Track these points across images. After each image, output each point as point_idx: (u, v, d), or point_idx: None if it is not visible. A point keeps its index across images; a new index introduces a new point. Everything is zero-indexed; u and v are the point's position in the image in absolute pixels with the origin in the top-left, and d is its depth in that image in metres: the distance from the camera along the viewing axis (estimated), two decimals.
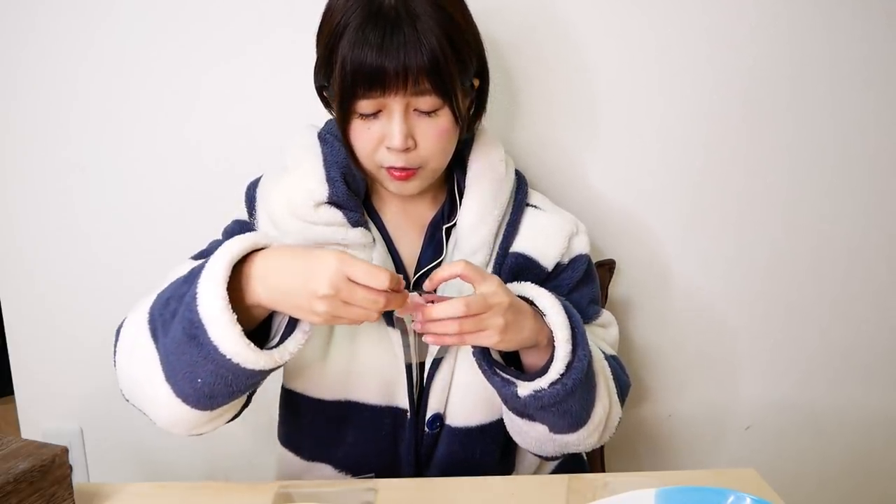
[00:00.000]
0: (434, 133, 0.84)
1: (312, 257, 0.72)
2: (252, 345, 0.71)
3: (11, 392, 1.28)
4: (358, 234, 0.89)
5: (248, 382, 0.75)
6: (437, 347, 0.89)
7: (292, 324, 0.77)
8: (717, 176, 1.23)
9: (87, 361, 1.22)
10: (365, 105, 0.81)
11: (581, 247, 0.97)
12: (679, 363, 1.30)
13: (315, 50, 0.86)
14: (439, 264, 0.93)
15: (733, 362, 1.32)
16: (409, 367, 0.90)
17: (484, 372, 0.83)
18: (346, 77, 0.79)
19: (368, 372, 0.90)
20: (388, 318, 0.88)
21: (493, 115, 0.99)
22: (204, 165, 1.18)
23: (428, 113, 0.83)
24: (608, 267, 1.18)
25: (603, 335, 0.99)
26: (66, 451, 0.72)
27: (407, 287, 0.92)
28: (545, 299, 0.82)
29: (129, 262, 1.21)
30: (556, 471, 1.02)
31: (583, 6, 1.15)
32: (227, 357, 0.70)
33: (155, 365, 0.74)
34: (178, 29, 1.13)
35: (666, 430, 1.34)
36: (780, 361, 1.32)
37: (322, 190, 0.87)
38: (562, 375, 0.79)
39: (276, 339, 0.77)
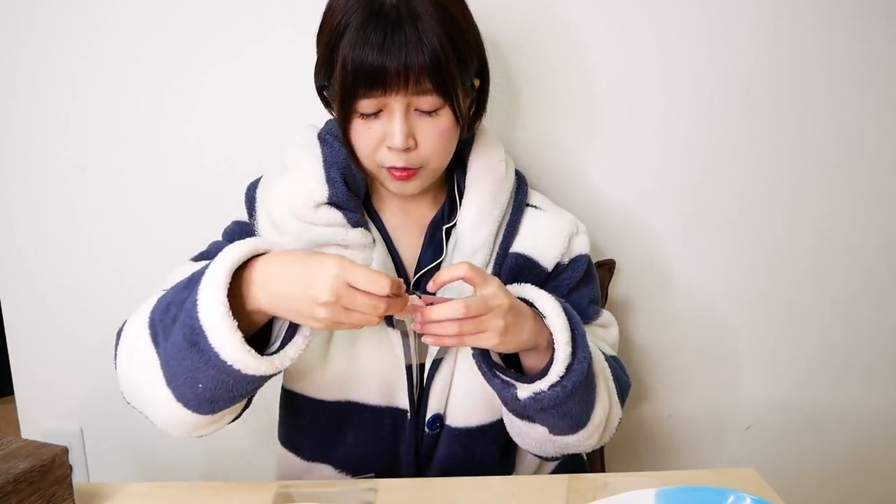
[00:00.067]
0: (435, 133, 0.84)
1: (313, 263, 0.72)
2: (253, 351, 0.71)
3: (11, 392, 1.28)
4: (358, 234, 0.89)
5: (249, 387, 0.75)
6: (437, 348, 0.89)
7: (293, 328, 0.77)
8: (718, 175, 1.23)
9: (87, 361, 1.22)
10: (366, 105, 0.81)
11: (581, 247, 0.97)
12: (679, 363, 1.30)
13: (315, 50, 0.86)
14: (439, 265, 0.92)
15: (734, 362, 1.31)
16: (409, 368, 0.90)
17: (484, 374, 0.83)
18: (347, 76, 0.79)
19: (368, 372, 0.90)
20: (389, 319, 0.88)
21: (493, 114, 0.99)
22: (204, 165, 1.18)
23: (429, 113, 0.83)
24: (608, 267, 1.18)
25: (603, 335, 0.99)
26: (66, 451, 0.72)
27: (407, 287, 0.92)
28: (545, 301, 0.82)
29: (129, 262, 1.21)
30: (556, 471, 1.02)
31: (583, 6, 1.15)
32: (228, 363, 0.70)
33: (156, 369, 0.74)
34: (178, 29, 1.13)
35: (666, 430, 1.34)
36: (781, 361, 1.32)
37: (322, 190, 0.87)
38: (562, 378, 0.79)
39: (277, 344, 0.77)
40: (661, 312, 1.28)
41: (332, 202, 0.88)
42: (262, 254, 0.75)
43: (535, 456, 0.94)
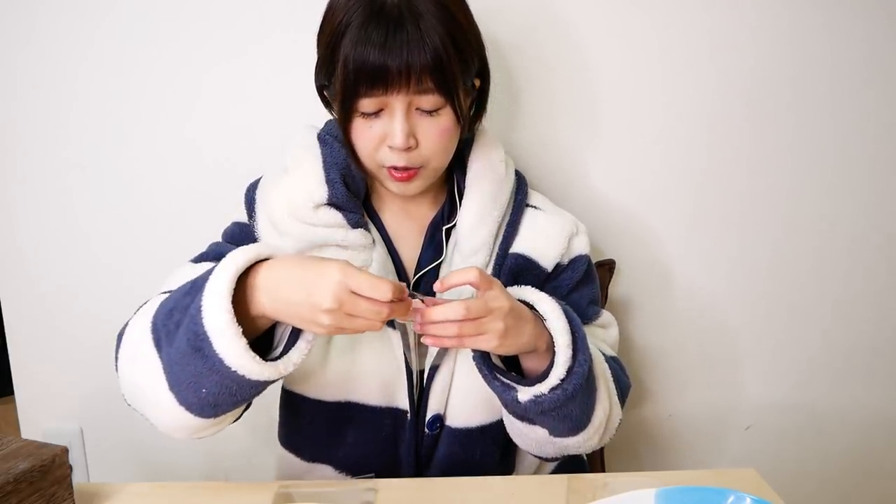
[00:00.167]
0: (436, 132, 0.83)
1: (315, 269, 0.72)
2: (257, 357, 0.71)
3: (11, 392, 1.28)
4: (358, 235, 0.89)
5: (252, 392, 0.75)
6: (437, 349, 0.89)
7: (295, 333, 0.76)
8: (719, 176, 1.23)
9: (87, 361, 1.22)
10: (367, 104, 0.81)
11: (581, 247, 0.97)
12: (679, 363, 1.30)
13: (316, 50, 0.86)
14: (439, 265, 0.92)
15: (734, 362, 1.31)
16: (409, 369, 0.90)
17: (484, 376, 0.83)
18: (348, 75, 0.79)
19: (369, 373, 0.90)
20: (390, 320, 0.88)
21: (494, 115, 0.99)
22: (204, 166, 1.18)
23: (430, 112, 0.83)
24: (608, 267, 1.18)
25: (603, 336, 0.99)
26: (66, 451, 0.72)
27: (406, 286, 0.92)
28: (545, 304, 0.82)
29: (129, 262, 1.21)
30: (555, 471, 1.02)
31: (584, 6, 1.15)
32: (233, 369, 0.70)
33: (158, 374, 0.74)
34: (178, 29, 1.13)
35: (666, 430, 1.34)
36: (781, 361, 1.32)
37: (322, 191, 0.87)
38: (562, 381, 0.78)
39: (280, 349, 0.77)
40: (662, 313, 1.28)
41: (332, 203, 0.88)
42: (266, 259, 0.75)
43: (535, 457, 0.94)
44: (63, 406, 1.27)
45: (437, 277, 0.92)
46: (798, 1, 1.16)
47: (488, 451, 0.94)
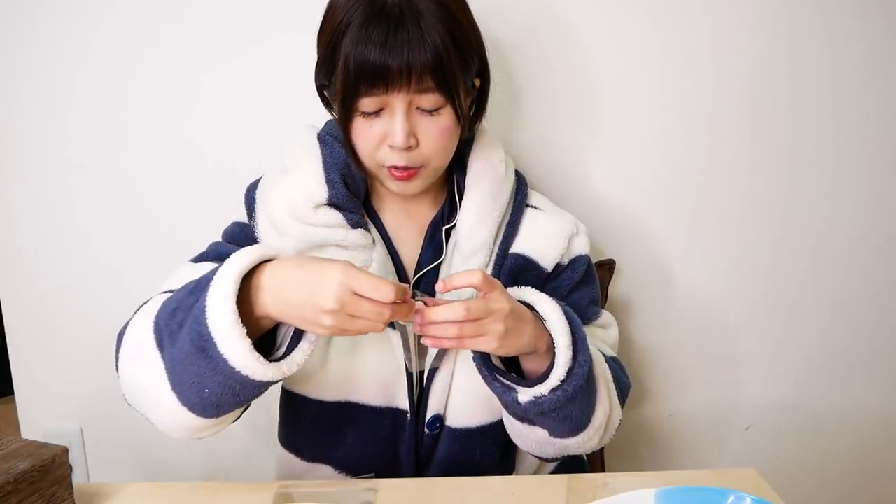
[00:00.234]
0: (436, 131, 0.83)
1: (318, 270, 0.72)
2: (261, 358, 0.71)
3: (11, 392, 1.28)
4: (358, 235, 0.89)
5: (254, 392, 0.75)
6: (437, 350, 0.89)
7: (298, 333, 0.77)
8: (719, 176, 1.23)
9: (87, 361, 1.22)
10: (367, 103, 0.81)
11: (581, 247, 0.97)
12: (679, 363, 1.30)
13: (316, 50, 0.86)
14: (439, 265, 0.92)
15: (734, 362, 1.32)
16: (409, 369, 0.90)
17: (484, 377, 0.83)
18: (349, 75, 0.79)
19: (368, 373, 0.90)
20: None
21: (494, 115, 0.99)
22: (204, 165, 1.18)
23: (430, 111, 0.83)
24: (608, 267, 1.18)
25: (603, 336, 0.99)
26: (66, 451, 0.72)
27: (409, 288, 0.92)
28: (546, 304, 0.82)
29: (129, 262, 1.21)
30: (555, 471, 1.02)
31: (584, 6, 1.15)
32: (237, 369, 0.70)
33: (160, 374, 0.74)
34: (178, 29, 1.13)
35: (666, 430, 1.34)
36: (781, 361, 1.32)
37: (322, 191, 0.87)
38: (562, 381, 0.78)
39: (283, 350, 0.77)
40: (662, 313, 1.28)
41: (332, 203, 0.88)
42: (270, 260, 0.75)
43: (535, 457, 0.94)
44: (63, 406, 1.27)
45: (436, 278, 0.92)
46: (797, 1, 1.16)
47: (488, 452, 0.94)
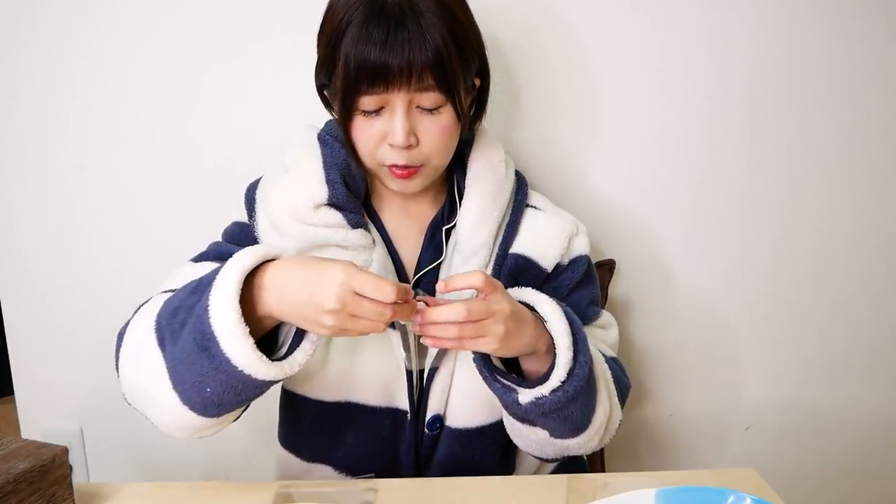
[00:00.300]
0: (436, 130, 0.83)
1: (320, 270, 0.72)
2: (264, 357, 0.71)
3: (11, 392, 1.28)
4: (358, 235, 0.89)
5: (256, 392, 0.75)
6: (436, 350, 0.89)
7: (299, 333, 0.77)
8: (719, 175, 1.23)
9: (87, 361, 1.22)
10: (367, 101, 0.81)
11: (581, 248, 0.97)
12: (679, 363, 1.30)
13: (316, 49, 0.86)
14: (439, 266, 0.92)
15: (734, 362, 1.31)
16: (409, 369, 0.90)
17: (485, 378, 0.83)
18: (349, 73, 0.79)
19: (368, 373, 0.90)
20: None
21: (494, 114, 0.99)
22: (204, 165, 1.18)
23: (430, 110, 0.83)
24: (608, 267, 1.18)
25: (603, 336, 0.99)
26: (66, 451, 0.72)
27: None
28: (546, 305, 0.81)
29: (129, 262, 1.21)
30: (555, 471, 1.02)
31: (584, 6, 1.15)
32: (239, 369, 0.70)
33: (162, 373, 0.74)
34: (178, 29, 1.13)
35: (666, 430, 1.34)
36: (781, 361, 1.32)
37: (322, 192, 0.87)
38: (563, 382, 0.78)
39: (285, 349, 0.77)
40: (662, 313, 1.28)
41: (332, 203, 0.88)
42: (272, 259, 0.75)
43: (535, 458, 0.94)
44: (63, 406, 1.27)
45: (436, 278, 0.92)
46: (797, 1, 1.16)
47: (488, 452, 0.94)
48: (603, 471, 1.17)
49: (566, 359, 0.79)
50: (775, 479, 0.87)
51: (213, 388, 0.72)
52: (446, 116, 0.83)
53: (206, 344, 0.70)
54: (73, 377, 1.26)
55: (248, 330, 0.70)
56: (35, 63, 1.14)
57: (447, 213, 0.94)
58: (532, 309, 0.82)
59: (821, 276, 1.28)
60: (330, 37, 0.81)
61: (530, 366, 0.84)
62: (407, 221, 0.95)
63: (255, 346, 0.70)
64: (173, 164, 1.18)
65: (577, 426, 0.84)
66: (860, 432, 1.36)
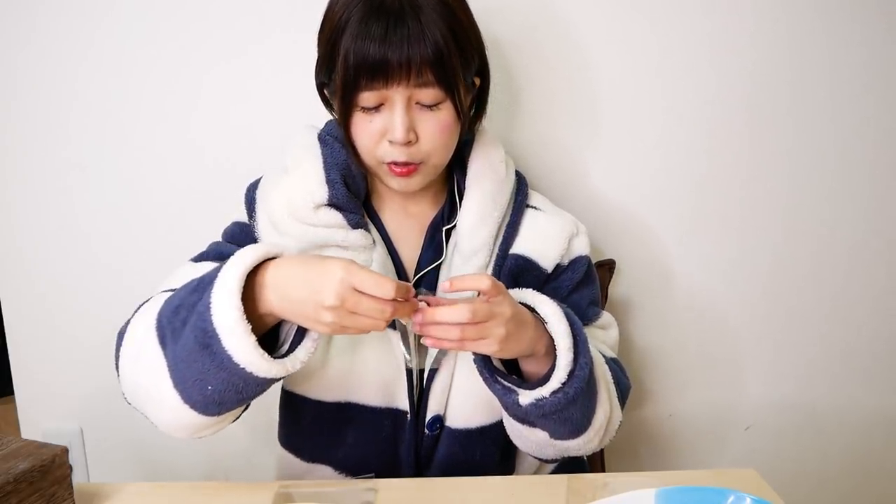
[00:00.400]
0: (436, 127, 0.84)
1: (320, 268, 0.72)
2: (266, 355, 0.71)
3: (11, 392, 1.28)
4: (358, 235, 0.89)
5: (257, 390, 0.75)
6: (437, 351, 0.89)
7: (301, 331, 0.77)
8: (719, 176, 1.23)
9: (87, 361, 1.22)
10: (367, 97, 0.81)
11: (581, 248, 0.97)
12: (680, 364, 1.30)
13: (316, 48, 0.86)
14: (439, 266, 0.92)
15: (734, 363, 1.31)
16: (409, 369, 0.90)
17: (485, 379, 0.83)
18: (348, 70, 0.79)
19: (368, 373, 0.90)
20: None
21: (493, 114, 0.99)
22: (204, 165, 1.18)
23: (430, 107, 0.83)
24: (608, 267, 1.18)
25: (603, 337, 0.99)
26: (66, 451, 0.72)
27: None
28: (547, 307, 0.81)
29: (129, 262, 1.21)
30: (555, 472, 1.02)
31: (584, 6, 1.15)
32: (241, 366, 0.71)
33: (163, 371, 0.74)
34: (178, 29, 1.13)
35: (666, 431, 1.34)
36: (781, 362, 1.32)
37: (322, 192, 0.87)
38: (563, 384, 0.78)
39: (286, 347, 0.77)
40: (662, 313, 1.28)
41: (332, 203, 0.88)
42: (274, 258, 0.75)
43: (535, 458, 0.94)
44: (63, 406, 1.27)
45: (437, 278, 0.92)
46: (797, 5, 1.16)
47: (488, 452, 0.94)
48: (603, 471, 1.17)
49: (567, 360, 0.78)
50: (775, 479, 0.87)
51: (214, 386, 0.72)
52: (446, 113, 0.83)
53: (208, 341, 0.70)
54: (73, 377, 1.26)
55: (251, 327, 0.70)
56: (35, 63, 1.14)
57: (447, 213, 0.94)
58: (532, 310, 0.82)
59: (821, 278, 1.28)
60: (330, 34, 0.82)
61: (529, 367, 0.83)
62: (407, 222, 0.95)
63: (256, 343, 0.70)
64: (173, 164, 1.18)
65: (578, 427, 0.84)
66: (860, 432, 1.36)
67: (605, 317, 1.01)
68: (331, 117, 0.94)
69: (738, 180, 1.23)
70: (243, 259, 0.72)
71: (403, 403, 0.92)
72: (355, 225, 0.89)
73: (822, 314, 1.30)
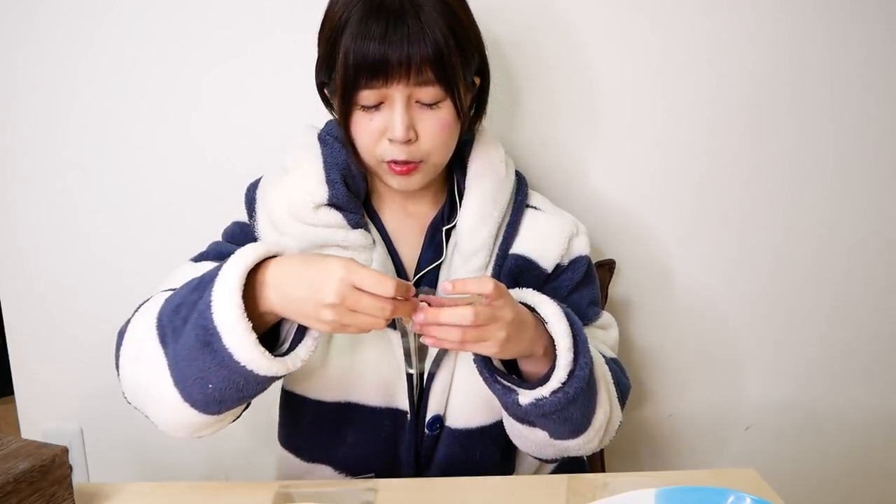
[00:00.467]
0: (436, 125, 0.84)
1: (320, 266, 0.72)
2: (267, 353, 0.71)
3: (11, 392, 1.28)
4: (358, 235, 0.89)
5: (258, 388, 0.75)
6: (437, 351, 0.89)
7: (301, 330, 0.77)
8: (719, 176, 1.23)
9: (87, 361, 1.22)
10: (367, 96, 0.81)
11: (581, 248, 0.97)
12: (679, 364, 1.30)
13: (316, 48, 0.86)
14: (439, 266, 0.92)
15: (734, 363, 1.31)
16: (409, 369, 0.90)
17: (485, 379, 0.83)
18: (348, 68, 0.79)
19: (368, 373, 0.90)
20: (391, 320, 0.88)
21: (493, 114, 0.99)
22: (204, 165, 1.18)
23: (430, 105, 0.83)
24: (608, 267, 1.18)
25: (603, 337, 0.99)
26: (66, 451, 0.72)
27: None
28: (547, 307, 0.81)
29: (129, 262, 1.21)
30: (555, 472, 1.02)
31: (584, 6, 1.15)
32: (242, 364, 0.71)
33: (163, 370, 0.74)
34: (178, 29, 1.13)
35: (666, 431, 1.34)
36: (781, 362, 1.32)
37: (322, 192, 0.87)
38: (563, 384, 0.78)
39: (286, 346, 0.77)
40: (662, 313, 1.28)
41: (332, 203, 0.88)
42: (274, 256, 0.75)
43: (535, 458, 0.94)
44: (63, 406, 1.27)
45: (437, 278, 0.92)
46: (797, 5, 1.16)
47: (488, 452, 0.94)
48: (603, 471, 1.17)
49: (567, 360, 0.78)
50: (775, 479, 0.87)
51: (214, 385, 0.72)
52: (446, 112, 0.84)
53: (209, 339, 0.70)
54: (73, 377, 1.26)
55: (251, 325, 0.70)
56: (35, 63, 1.14)
57: (447, 213, 0.94)
58: (532, 310, 0.82)
59: (821, 278, 1.28)
60: (330, 34, 0.82)
61: (528, 367, 0.83)
62: (407, 222, 0.95)
63: (257, 341, 0.71)
64: (173, 164, 1.18)
65: (577, 427, 0.84)
66: (860, 432, 1.36)
67: (605, 317, 1.01)
68: (331, 117, 0.94)
69: (738, 180, 1.23)
70: (244, 257, 0.73)
71: (403, 403, 0.92)
72: (355, 225, 0.89)
73: (822, 314, 1.30)
